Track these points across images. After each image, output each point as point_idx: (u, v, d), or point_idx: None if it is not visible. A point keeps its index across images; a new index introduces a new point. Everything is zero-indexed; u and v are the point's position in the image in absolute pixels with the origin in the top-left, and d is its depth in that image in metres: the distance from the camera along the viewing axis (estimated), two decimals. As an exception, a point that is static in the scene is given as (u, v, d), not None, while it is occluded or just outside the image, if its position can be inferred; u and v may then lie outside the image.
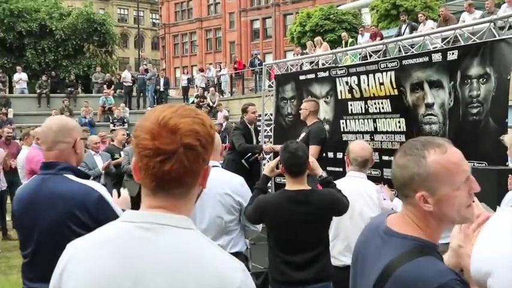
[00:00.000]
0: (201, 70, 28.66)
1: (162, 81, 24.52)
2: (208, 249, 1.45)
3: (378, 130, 8.13)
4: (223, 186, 4.07)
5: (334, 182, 4.12)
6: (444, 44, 7.63)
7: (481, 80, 6.45)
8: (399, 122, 7.75)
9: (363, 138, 8.27)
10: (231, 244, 4.06)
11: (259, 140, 8.60)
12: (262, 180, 4.18)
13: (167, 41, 61.74)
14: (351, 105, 8.58)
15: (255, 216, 3.90)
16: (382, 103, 7.99)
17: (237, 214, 4.07)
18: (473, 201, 1.82)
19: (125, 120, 20.65)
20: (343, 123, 8.76)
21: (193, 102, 24.03)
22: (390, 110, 7.87)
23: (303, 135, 7.25)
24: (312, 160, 4.05)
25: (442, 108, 7.07)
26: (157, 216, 1.44)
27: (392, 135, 7.92)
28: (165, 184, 1.44)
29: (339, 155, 8.64)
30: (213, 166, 4.05)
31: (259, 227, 4.13)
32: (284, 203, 3.80)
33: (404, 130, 7.68)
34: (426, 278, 1.63)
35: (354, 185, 4.25)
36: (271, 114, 10.84)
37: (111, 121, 20.56)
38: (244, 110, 8.53)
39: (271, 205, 3.85)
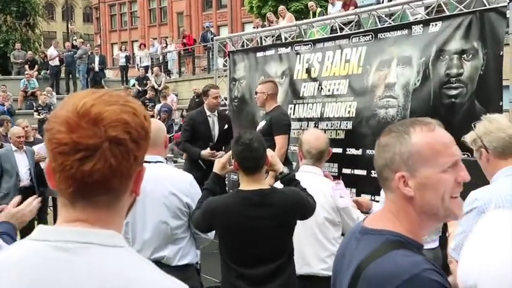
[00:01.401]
0: (143, 46, 28.32)
1: (96, 59, 23.81)
2: (140, 271, 1.37)
3: (324, 116, 8.18)
4: (168, 185, 4.01)
5: (298, 179, 4.11)
6: (427, 15, 7.72)
7: (464, 56, 6.48)
8: (350, 106, 7.79)
9: (307, 126, 8.34)
10: (179, 255, 4.01)
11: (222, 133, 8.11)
12: (212, 179, 4.07)
13: (102, 11, 60.77)
14: (304, 86, 8.64)
15: (203, 223, 3.83)
16: (338, 84, 8.04)
17: (186, 219, 4.03)
18: (457, 196, 1.83)
19: (52, 107, 20.25)
20: (291, 108, 8.78)
21: (134, 85, 23.77)
22: (345, 92, 7.91)
23: (262, 124, 7.21)
24: (271, 154, 4.01)
25: (405, 89, 7.09)
26: (77, 233, 1.36)
27: (338, 121, 7.95)
28: (86, 190, 1.36)
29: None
30: (156, 162, 4.06)
31: (212, 234, 4.08)
32: (238, 206, 3.73)
33: (353, 116, 7.72)
34: (398, 270, 1.65)
35: (307, 181, 4.20)
36: (225, 99, 10.81)
37: (35, 108, 20.15)
38: (205, 93, 8.12)
39: (222, 209, 3.76)
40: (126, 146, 1.37)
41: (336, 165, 7.74)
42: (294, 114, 8.68)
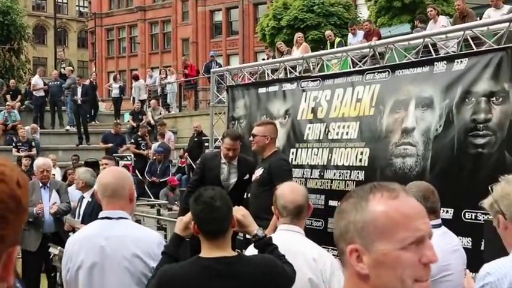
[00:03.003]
0: (135, 78, 28.01)
1: (79, 90, 22.51)
2: None
3: (331, 164, 8.09)
4: (132, 246, 3.96)
5: (275, 244, 3.93)
6: (454, 51, 7.63)
7: (493, 99, 6.38)
8: (361, 153, 7.71)
9: (311, 174, 8.27)
10: None
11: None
12: (173, 242, 3.92)
13: (98, 36, 61.52)
14: (309, 128, 8.59)
15: None
16: (347, 127, 7.99)
17: None
18: (426, 280, 1.72)
19: (33, 143, 20.28)
20: (293, 153, 8.72)
21: (128, 121, 23.83)
22: (355, 137, 7.84)
23: (259, 172, 7.10)
24: (243, 213, 3.86)
25: (425, 135, 7.02)
26: None
27: (348, 171, 7.84)
28: None
29: None
30: (119, 218, 3.97)
31: None
32: (197, 276, 3.54)
33: (366, 165, 7.63)
34: None
35: (286, 242, 4.03)
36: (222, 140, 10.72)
37: (14, 144, 20.17)
38: (222, 138, 7.82)
39: (178, 280, 3.58)
40: None
41: None
42: (295, 160, 8.61)
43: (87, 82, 24.13)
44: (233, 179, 7.62)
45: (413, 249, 1.69)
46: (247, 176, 7.61)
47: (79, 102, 22.00)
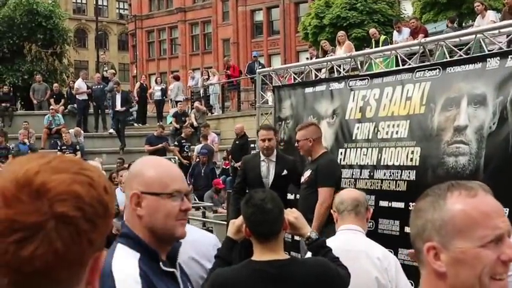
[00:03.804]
0: (176, 78, 28.36)
1: (118, 97, 22.57)
2: None
3: (381, 164, 8.05)
4: (188, 249, 3.93)
5: (329, 246, 3.93)
6: (505, 45, 7.55)
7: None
8: (412, 152, 7.66)
9: (360, 174, 8.25)
10: None
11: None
12: (225, 246, 3.92)
13: (139, 38, 62.14)
14: (357, 128, 8.57)
15: None
16: (397, 126, 7.95)
17: None
18: (503, 278, 1.73)
19: (78, 147, 20.58)
20: (341, 153, 8.71)
21: (171, 123, 24.00)
22: (405, 136, 7.80)
23: (307, 174, 7.16)
24: (296, 215, 3.85)
25: (478, 133, 6.94)
26: None
27: (399, 170, 7.79)
28: (25, 282, 1.24)
29: None
30: None
31: None
32: (250, 280, 3.57)
33: (417, 164, 7.57)
34: None
35: (347, 241, 4.03)
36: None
37: (58, 148, 20.48)
38: (257, 134, 8.31)
39: (231, 284, 3.60)
40: (77, 226, 1.25)
41: (397, 222, 7.56)
42: (344, 160, 8.60)
43: (126, 88, 24.25)
44: (271, 175, 7.84)
45: (492, 247, 1.70)
46: (285, 172, 7.82)
47: (118, 108, 22.20)
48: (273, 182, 7.76)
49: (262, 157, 7.91)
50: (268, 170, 7.89)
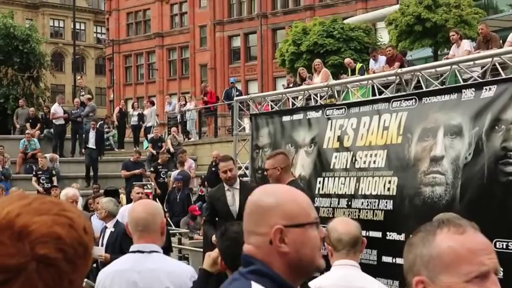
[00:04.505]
0: (151, 103, 28.42)
1: (91, 135, 22.41)
2: None
3: (359, 193, 8.08)
4: (165, 280, 3.97)
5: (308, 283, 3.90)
6: (479, 76, 7.64)
7: (524, 126, 6.39)
8: (390, 182, 7.70)
9: (338, 203, 8.26)
10: None
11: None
12: (201, 278, 3.91)
13: (116, 63, 62.08)
14: (335, 157, 8.60)
15: None
16: (375, 155, 7.99)
17: None
18: None
19: (54, 171, 20.41)
20: (319, 182, 8.74)
21: (147, 148, 23.96)
22: (383, 165, 7.85)
23: None
24: None
25: (454, 163, 7.00)
26: None
27: (376, 200, 7.82)
28: None
29: None
30: (151, 251, 3.98)
31: None
32: None
33: (394, 194, 7.61)
34: None
35: (344, 277, 4.00)
36: (246, 169, 10.76)
37: (34, 173, 20.30)
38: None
39: None
40: (58, 267, 1.28)
41: (374, 252, 7.55)
42: (322, 189, 8.61)
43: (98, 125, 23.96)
44: (237, 202, 7.89)
45: (478, 283, 1.76)
46: None
47: (91, 146, 22.03)
48: (239, 210, 7.75)
49: (227, 186, 8.02)
50: (233, 198, 7.96)
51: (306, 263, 2.28)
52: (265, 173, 7.59)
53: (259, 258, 2.34)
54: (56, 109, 24.32)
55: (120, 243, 7.79)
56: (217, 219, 8.10)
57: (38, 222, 1.28)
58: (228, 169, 7.93)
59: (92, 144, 22.10)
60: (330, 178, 8.60)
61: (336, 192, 8.41)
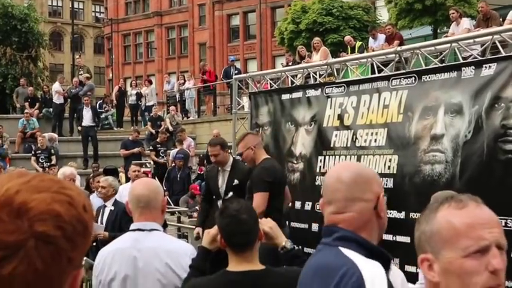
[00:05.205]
0: (149, 82, 28.20)
1: (85, 113, 21.87)
2: None
3: None
4: (165, 258, 3.97)
5: (303, 256, 3.90)
6: (479, 54, 7.61)
7: (524, 104, 6.39)
8: (390, 160, 7.72)
9: None
10: None
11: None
12: (200, 256, 3.90)
13: (115, 42, 61.92)
14: (335, 136, 8.60)
15: None
16: (375, 134, 8.00)
17: None
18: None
19: (53, 151, 20.37)
20: (320, 160, 8.75)
21: (146, 127, 23.91)
22: (383, 144, 7.86)
23: (249, 182, 7.13)
24: (270, 225, 3.83)
25: (454, 141, 7.01)
26: None
27: None
28: None
29: (307, 206, 8.65)
30: (151, 230, 3.99)
31: None
32: None
33: (395, 172, 7.63)
34: None
35: None
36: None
37: (33, 152, 20.26)
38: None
39: None
40: (57, 245, 1.27)
41: None
42: (324, 167, 8.60)
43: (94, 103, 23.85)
44: (224, 186, 7.77)
45: (478, 258, 1.76)
46: (235, 182, 7.67)
47: (87, 124, 21.74)
48: (225, 192, 7.70)
49: (219, 167, 7.89)
50: (223, 179, 7.80)
51: (385, 225, 2.65)
52: (240, 157, 7.47)
53: (356, 226, 2.51)
54: (56, 88, 24.18)
55: (120, 221, 7.83)
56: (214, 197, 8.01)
57: (37, 199, 1.27)
58: (213, 154, 7.73)
59: (87, 121, 21.80)
60: (330, 156, 8.61)
61: None
